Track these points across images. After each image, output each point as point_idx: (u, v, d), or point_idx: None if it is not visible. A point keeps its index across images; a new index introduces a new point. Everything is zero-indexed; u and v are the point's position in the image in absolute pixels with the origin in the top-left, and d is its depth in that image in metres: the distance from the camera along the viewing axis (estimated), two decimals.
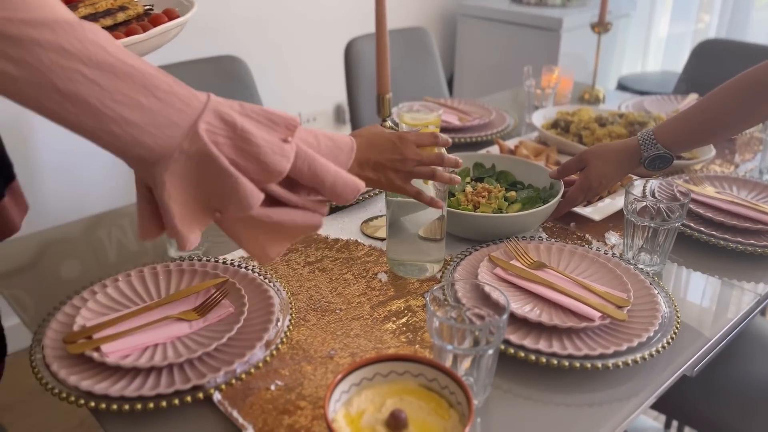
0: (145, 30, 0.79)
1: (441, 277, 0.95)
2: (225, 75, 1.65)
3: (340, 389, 0.62)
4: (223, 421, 0.71)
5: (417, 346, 0.82)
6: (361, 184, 0.69)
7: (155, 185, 0.58)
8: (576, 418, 0.72)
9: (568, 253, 0.97)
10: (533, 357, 0.76)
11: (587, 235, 1.09)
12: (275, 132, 0.62)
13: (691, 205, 1.11)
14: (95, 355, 0.73)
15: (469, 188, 1.10)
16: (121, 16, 0.85)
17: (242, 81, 1.68)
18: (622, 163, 1.06)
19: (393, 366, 0.65)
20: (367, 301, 0.91)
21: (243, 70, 1.71)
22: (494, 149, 1.38)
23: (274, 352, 0.77)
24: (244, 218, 0.62)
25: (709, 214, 1.09)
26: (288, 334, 0.81)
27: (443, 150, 0.89)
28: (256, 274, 0.92)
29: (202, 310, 0.83)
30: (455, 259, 0.97)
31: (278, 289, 0.89)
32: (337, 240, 1.07)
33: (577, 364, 0.75)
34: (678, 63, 3.04)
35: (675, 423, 1.53)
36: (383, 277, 0.96)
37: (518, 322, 0.82)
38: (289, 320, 0.83)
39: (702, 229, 1.06)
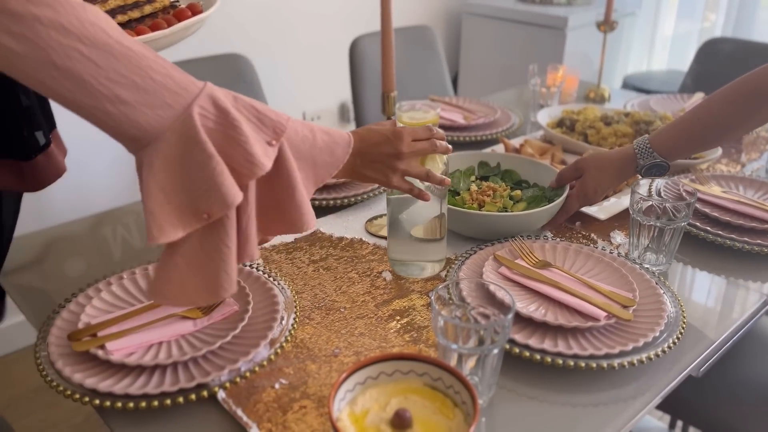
0: (169, 24, 0.82)
1: (446, 276, 0.95)
2: (230, 73, 1.65)
3: (344, 388, 0.62)
4: (227, 419, 0.71)
5: (421, 345, 0.82)
6: (314, 218, 0.72)
7: (144, 168, 0.59)
8: (581, 418, 0.72)
9: (573, 252, 0.97)
10: (538, 356, 0.76)
11: (592, 235, 1.08)
12: (262, 133, 0.64)
13: (697, 205, 1.11)
14: (100, 352, 0.74)
15: (474, 187, 1.10)
16: (147, 9, 0.87)
17: (247, 79, 1.68)
18: (618, 171, 1.06)
19: (398, 365, 0.64)
20: (372, 300, 0.90)
21: (248, 68, 1.71)
22: (499, 148, 1.38)
23: (279, 351, 0.77)
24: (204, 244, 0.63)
25: (716, 214, 1.08)
26: (292, 332, 0.81)
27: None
28: (261, 273, 0.92)
29: (207, 308, 0.83)
30: (460, 258, 0.97)
31: (283, 288, 0.89)
32: (341, 238, 1.07)
33: (583, 364, 0.75)
34: (684, 62, 3.02)
35: (680, 423, 1.52)
36: (388, 275, 0.96)
37: (523, 321, 0.82)
38: (294, 319, 0.83)
39: (708, 228, 1.05)
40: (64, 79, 0.54)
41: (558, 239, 1.02)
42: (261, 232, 0.72)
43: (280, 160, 0.67)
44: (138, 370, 0.73)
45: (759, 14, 2.81)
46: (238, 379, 0.73)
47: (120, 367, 0.73)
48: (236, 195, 0.61)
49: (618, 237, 1.07)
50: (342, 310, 0.88)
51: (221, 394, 0.72)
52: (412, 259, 0.96)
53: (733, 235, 1.04)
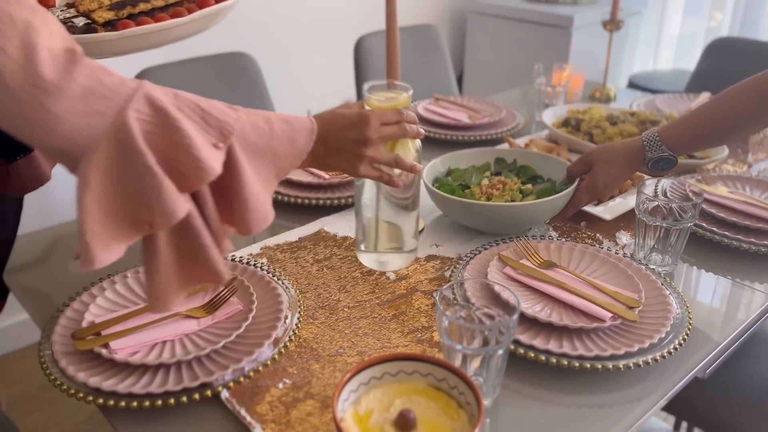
0: (190, 13, 0.84)
1: (450, 276, 0.94)
2: (234, 72, 1.65)
3: (348, 388, 0.61)
4: (231, 419, 0.70)
5: (425, 345, 0.81)
6: (271, 216, 0.68)
7: (78, 185, 0.54)
8: (586, 420, 0.71)
9: (578, 252, 0.96)
10: (543, 357, 0.76)
11: (598, 235, 1.08)
12: (207, 134, 0.60)
13: (704, 205, 1.10)
14: (104, 351, 0.73)
15: (485, 181, 1.10)
16: None
17: (251, 78, 1.68)
18: (627, 164, 1.05)
19: (402, 365, 0.64)
20: (376, 300, 0.90)
21: (252, 66, 1.71)
22: (504, 147, 1.37)
23: (283, 351, 0.77)
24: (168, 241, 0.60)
25: (722, 215, 1.07)
26: (296, 332, 0.80)
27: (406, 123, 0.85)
28: (265, 272, 0.91)
29: (211, 307, 0.83)
30: (464, 258, 0.96)
31: (287, 287, 0.89)
32: (345, 238, 1.06)
33: (588, 365, 0.74)
34: (690, 61, 3.01)
35: (684, 424, 1.52)
36: (391, 275, 0.96)
37: (528, 321, 0.82)
38: (298, 318, 0.83)
39: (714, 229, 1.05)
40: None
41: (563, 239, 1.01)
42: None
43: (229, 162, 0.63)
44: (142, 369, 0.73)
45: (766, 13, 2.79)
46: (241, 379, 0.73)
47: (124, 366, 0.73)
48: (179, 208, 0.56)
49: (623, 237, 1.07)
50: (346, 309, 0.88)
51: (225, 394, 0.72)
52: (382, 250, 0.95)
53: (739, 236, 1.03)
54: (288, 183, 1.20)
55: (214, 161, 0.58)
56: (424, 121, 1.57)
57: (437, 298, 0.70)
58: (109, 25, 0.87)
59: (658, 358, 0.76)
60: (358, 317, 0.86)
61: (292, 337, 0.79)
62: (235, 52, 1.74)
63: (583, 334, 0.80)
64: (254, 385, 0.74)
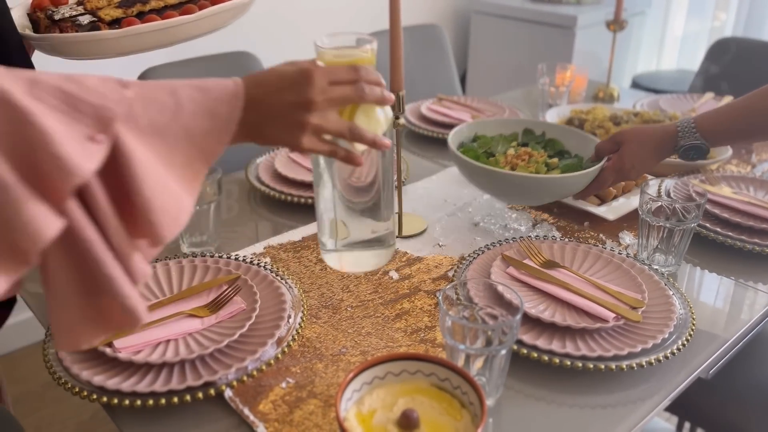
0: (201, 9, 0.83)
1: (453, 276, 0.94)
2: (237, 71, 1.65)
3: (351, 388, 0.61)
4: (234, 418, 0.71)
5: (428, 345, 0.82)
6: (185, 213, 0.54)
7: None
8: (589, 420, 0.71)
9: (581, 252, 0.96)
10: (546, 357, 0.76)
11: (601, 235, 1.08)
12: (78, 124, 0.47)
13: (707, 206, 1.10)
14: (108, 350, 0.74)
15: (511, 151, 1.09)
16: None
17: None
18: (657, 147, 1.03)
19: (405, 365, 0.64)
20: (379, 299, 0.90)
21: (255, 66, 1.71)
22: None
23: (286, 350, 0.77)
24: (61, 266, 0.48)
25: (726, 215, 1.07)
26: (299, 331, 0.81)
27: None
28: (268, 271, 0.92)
29: (214, 306, 0.83)
30: (467, 258, 0.96)
31: (290, 286, 0.89)
32: None
33: (591, 366, 0.74)
34: (693, 61, 3.00)
35: (687, 425, 1.51)
36: (395, 275, 0.96)
37: (531, 322, 0.82)
38: (301, 317, 0.83)
39: (718, 229, 1.05)
40: None
41: (566, 239, 1.01)
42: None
43: (118, 155, 0.50)
44: (146, 367, 0.73)
45: None
46: (245, 378, 0.73)
47: (128, 364, 0.74)
48: (46, 225, 0.44)
49: (627, 238, 1.07)
50: (349, 309, 0.88)
51: (228, 393, 0.72)
52: (343, 247, 0.85)
53: (743, 237, 1.03)
54: (291, 182, 1.20)
55: (82, 158, 0.45)
56: (427, 121, 1.57)
57: (440, 297, 0.70)
58: (117, 23, 0.85)
59: (661, 358, 0.76)
60: (361, 317, 0.87)
61: (296, 337, 0.79)
62: (239, 51, 1.74)
63: (586, 335, 0.80)
64: (257, 384, 0.74)
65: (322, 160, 0.79)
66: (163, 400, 0.69)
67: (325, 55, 0.71)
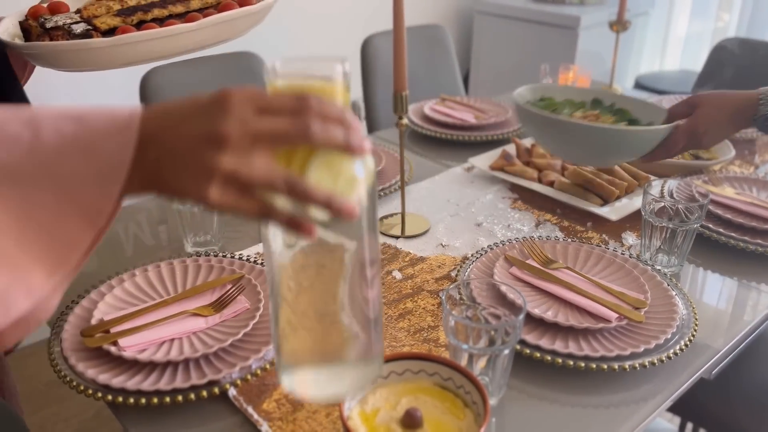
0: (205, 18, 0.77)
1: (457, 275, 0.95)
2: (241, 71, 1.66)
3: None
4: (238, 416, 0.71)
5: (432, 344, 0.82)
6: (45, 308, 0.40)
7: None
8: (592, 420, 0.71)
9: (584, 253, 0.96)
10: (549, 357, 0.76)
11: (604, 235, 1.08)
12: None
13: (710, 206, 1.10)
14: (113, 348, 0.74)
15: (578, 113, 1.07)
16: (195, 3, 0.81)
17: (257, 77, 1.68)
18: (734, 114, 0.99)
19: (408, 364, 0.65)
20: (382, 299, 0.90)
21: (258, 66, 1.71)
22: (510, 148, 1.38)
23: None
24: None
25: (728, 216, 1.07)
26: None
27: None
28: None
29: (218, 305, 0.83)
30: (470, 258, 0.97)
31: None
32: None
33: (594, 366, 0.75)
34: (696, 62, 3.00)
35: (690, 425, 1.51)
36: (397, 275, 0.96)
37: (534, 322, 0.82)
38: None
39: (721, 230, 1.05)
40: None
41: (569, 240, 1.01)
42: None
43: None
44: (150, 366, 0.74)
45: None
46: (249, 377, 0.73)
47: (132, 363, 0.74)
48: None
49: (630, 238, 1.07)
50: None
51: (232, 392, 0.73)
52: (301, 364, 0.53)
53: (746, 237, 1.03)
54: None
55: None
56: (430, 121, 1.57)
57: (444, 297, 0.71)
58: (113, 33, 0.78)
59: (664, 359, 0.76)
60: None
61: None
62: (242, 51, 1.75)
63: (588, 335, 0.80)
64: (261, 383, 0.74)
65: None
66: (167, 399, 0.69)
67: (275, 82, 0.47)
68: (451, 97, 1.72)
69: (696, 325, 0.82)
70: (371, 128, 1.95)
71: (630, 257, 0.97)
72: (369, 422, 0.60)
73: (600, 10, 2.75)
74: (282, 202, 0.44)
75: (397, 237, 1.07)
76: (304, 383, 0.53)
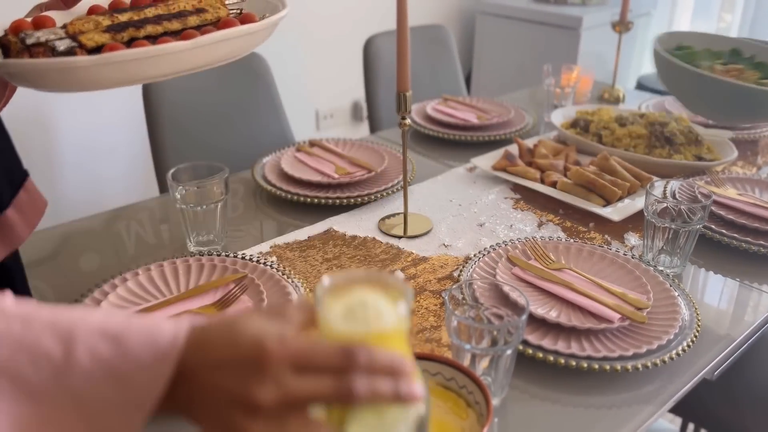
0: (203, 35, 0.69)
1: (459, 276, 0.95)
2: (244, 71, 1.66)
3: None
4: None
5: (434, 344, 0.82)
6: None
7: None
8: (594, 420, 0.71)
9: (587, 253, 0.96)
10: (551, 358, 0.76)
11: (606, 236, 1.08)
12: None
13: (713, 207, 1.10)
14: None
15: (719, 66, 1.05)
16: (193, 20, 0.74)
17: (261, 77, 1.68)
18: None
19: None
20: None
21: (262, 65, 1.71)
22: (513, 148, 1.38)
23: None
24: None
25: (731, 216, 1.07)
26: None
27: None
28: (275, 270, 0.92)
29: (222, 305, 0.83)
30: (473, 258, 0.97)
31: (296, 286, 0.89)
32: (354, 237, 1.07)
33: (596, 366, 0.75)
34: None
35: (691, 426, 1.51)
36: (400, 275, 0.96)
37: (536, 322, 0.82)
38: None
39: (723, 231, 1.05)
40: None
41: (572, 240, 1.01)
42: None
43: None
44: None
45: None
46: None
47: None
48: None
49: (632, 239, 1.07)
50: None
51: None
52: None
53: (748, 238, 1.03)
54: (297, 182, 1.21)
55: None
56: (433, 121, 1.57)
57: (446, 297, 0.71)
58: (99, 51, 0.70)
59: (666, 359, 0.76)
60: None
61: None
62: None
63: (591, 335, 0.80)
64: None
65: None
66: None
67: (324, 313, 0.45)
68: (454, 98, 1.72)
69: (698, 325, 0.82)
70: (373, 128, 1.95)
71: (632, 258, 0.97)
72: None
73: (602, 11, 2.76)
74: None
75: (399, 237, 1.07)
76: None
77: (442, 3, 2.99)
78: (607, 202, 1.15)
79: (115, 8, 0.77)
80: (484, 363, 0.69)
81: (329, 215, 1.13)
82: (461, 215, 1.15)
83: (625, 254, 0.98)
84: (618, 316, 0.82)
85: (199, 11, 0.75)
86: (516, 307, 0.72)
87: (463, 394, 0.63)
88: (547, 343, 0.78)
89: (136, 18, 0.73)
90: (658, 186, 1.01)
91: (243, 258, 0.95)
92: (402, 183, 1.17)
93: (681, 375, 0.78)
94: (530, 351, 0.77)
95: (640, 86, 2.65)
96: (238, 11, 0.80)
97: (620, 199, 1.17)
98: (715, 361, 0.81)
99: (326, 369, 0.41)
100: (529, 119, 1.60)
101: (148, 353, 0.40)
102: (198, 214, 0.99)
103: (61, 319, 0.40)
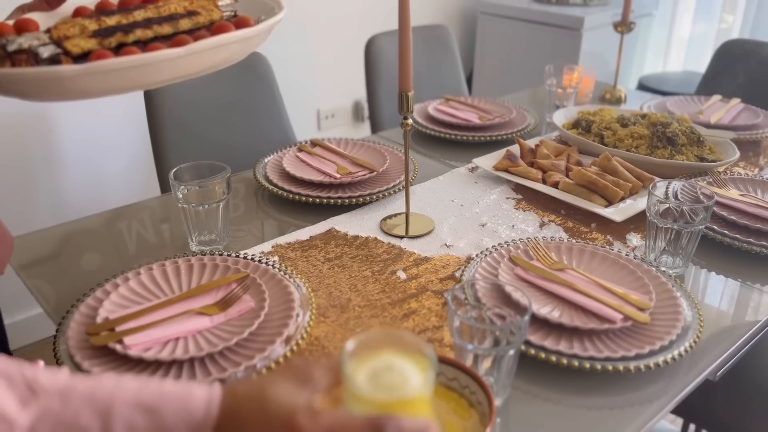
0: (196, 41, 0.65)
1: (461, 276, 0.95)
2: (246, 70, 1.66)
3: None
4: None
5: (436, 344, 0.82)
6: None
7: None
8: (596, 421, 0.71)
9: (589, 254, 0.96)
10: (554, 358, 0.76)
11: (608, 237, 1.08)
12: None
13: (715, 208, 1.10)
14: (118, 347, 0.74)
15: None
16: (185, 24, 0.71)
17: (263, 76, 1.68)
18: None
19: None
20: (387, 299, 0.91)
21: (264, 65, 1.71)
22: (515, 148, 1.38)
23: (294, 348, 0.78)
24: None
25: (733, 217, 1.07)
26: (308, 330, 0.81)
27: None
28: (277, 270, 0.92)
29: (223, 305, 0.83)
30: (475, 258, 0.97)
31: (298, 285, 0.89)
32: (356, 237, 1.07)
33: (598, 366, 0.75)
34: (700, 63, 3.00)
35: (692, 427, 1.51)
36: (402, 275, 0.96)
37: (539, 322, 0.82)
38: (310, 316, 0.83)
39: (726, 232, 1.05)
40: None
41: (574, 240, 1.01)
42: None
43: None
44: (155, 365, 0.74)
45: None
46: (254, 376, 0.73)
47: (137, 361, 0.74)
48: None
49: (634, 239, 1.07)
50: (357, 308, 0.89)
51: None
52: None
53: (750, 239, 1.03)
54: (298, 181, 1.20)
55: None
56: (434, 121, 1.57)
57: (449, 298, 0.71)
58: (85, 57, 0.66)
59: (668, 360, 0.76)
60: (369, 316, 0.87)
61: (304, 335, 0.80)
62: None
63: (593, 336, 0.80)
64: None
65: None
66: None
67: (350, 377, 0.47)
68: (455, 98, 1.72)
69: (701, 326, 0.82)
70: (374, 128, 1.95)
71: (634, 258, 0.97)
72: None
73: (603, 11, 2.75)
74: None
75: (401, 237, 1.07)
76: None
77: (443, 3, 2.98)
78: (609, 203, 1.15)
79: (102, 10, 0.73)
80: (486, 363, 0.69)
81: (331, 215, 1.13)
82: (463, 215, 1.15)
83: (627, 255, 0.97)
84: (620, 316, 0.81)
85: (191, 14, 0.72)
86: (518, 308, 0.72)
87: (466, 395, 0.63)
88: (549, 343, 0.78)
89: (124, 21, 0.69)
90: (660, 186, 1.01)
91: (245, 257, 0.95)
92: (404, 183, 1.17)
93: (683, 376, 0.78)
94: (533, 351, 0.77)
95: (642, 87, 2.65)
96: (232, 13, 0.77)
97: (622, 199, 1.17)
98: (717, 362, 0.81)
99: None
100: (530, 119, 1.60)
101: (182, 425, 0.42)
102: (200, 213, 0.99)
103: (97, 392, 0.42)
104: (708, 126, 1.52)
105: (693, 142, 1.32)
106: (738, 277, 0.99)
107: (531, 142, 1.42)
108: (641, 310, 0.83)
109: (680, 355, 0.77)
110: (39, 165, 1.95)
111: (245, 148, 1.56)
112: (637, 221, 1.12)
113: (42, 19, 0.72)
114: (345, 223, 1.11)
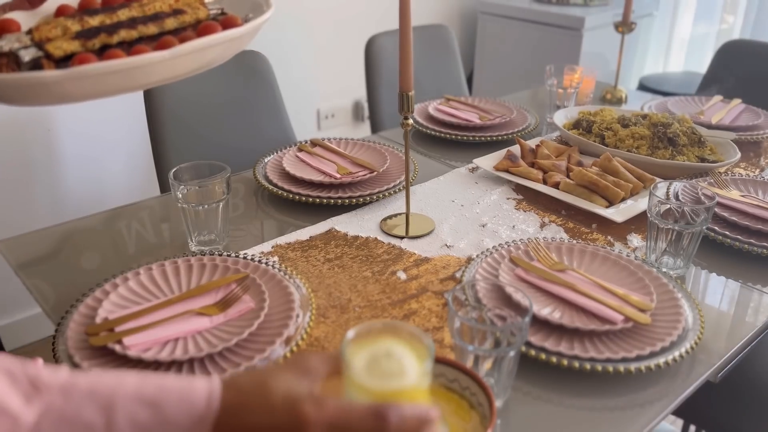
0: (182, 41, 0.62)
1: (461, 276, 0.94)
2: (246, 70, 1.66)
3: None
4: None
5: (437, 345, 0.82)
6: None
7: None
8: (597, 422, 0.71)
9: (590, 254, 0.96)
10: (555, 359, 0.76)
11: (609, 237, 1.08)
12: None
13: (716, 209, 1.09)
14: (117, 347, 0.74)
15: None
16: (170, 23, 0.68)
17: (263, 76, 1.68)
18: None
19: None
20: (387, 299, 0.90)
21: (264, 65, 1.71)
22: (515, 149, 1.37)
23: (294, 349, 0.77)
24: None
25: (734, 218, 1.07)
26: (308, 330, 0.81)
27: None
28: (277, 270, 0.92)
29: (223, 305, 0.83)
30: (475, 259, 0.96)
31: (298, 285, 0.89)
32: (356, 237, 1.07)
33: (599, 368, 0.74)
34: (700, 63, 3.00)
35: (693, 428, 1.51)
36: (402, 275, 0.96)
37: (539, 323, 0.82)
38: (310, 317, 0.83)
39: (727, 232, 1.04)
40: None
41: (575, 241, 1.01)
42: None
43: None
44: (155, 365, 0.74)
45: None
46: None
47: (137, 362, 0.74)
48: None
49: (635, 240, 1.07)
50: (357, 309, 0.88)
51: None
52: None
53: (751, 240, 1.02)
54: (298, 181, 1.20)
55: None
56: (435, 121, 1.57)
57: (449, 298, 0.70)
58: (68, 60, 0.64)
59: (669, 361, 0.76)
60: (369, 317, 0.87)
61: (304, 336, 0.79)
62: (247, 50, 1.74)
63: (594, 337, 0.80)
64: None
65: None
66: None
67: (350, 365, 0.48)
68: (456, 98, 1.71)
69: (702, 327, 0.82)
70: (374, 128, 1.95)
71: (635, 259, 0.96)
72: None
73: (604, 12, 2.75)
74: None
75: (401, 237, 1.06)
76: None
77: (443, 3, 2.98)
78: (610, 204, 1.15)
79: (85, 8, 0.71)
80: (487, 364, 0.69)
81: (331, 215, 1.13)
82: (463, 216, 1.14)
83: (628, 255, 0.97)
84: (621, 317, 0.81)
85: (176, 12, 0.69)
86: (519, 309, 0.72)
87: (466, 396, 0.63)
88: (550, 344, 0.77)
89: (108, 21, 0.67)
90: (662, 187, 1.00)
91: (244, 258, 0.95)
92: (404, 183, 1.17)
93: (684, 377, 0.78)
94: (533, 352, 0.77)
95: (643, 87, 2.65)
96: (219, 11, 0.75)
97: (623, 200, 1.17)
98: (718, 364, 0.81)
99: (361, 430, 0.45)
100: (531, 120, 1.60)
101: (185, 418, 0.43)
102: (199, 213, 0.99)
103: (99, 387, 0.42)
104: (709, 126, 1.52)
105: (694, 143, 1.32)
106: (739, 278, 0.99)
107: (531, 143, 1.41)
108: (642, 311, 0.83)
109: (681, 356, 0.77)
110: (38, 164, 1.95)
111: (245, 148, 1.55)
112: (638, 222, 1.11)
113: (24, 17, 0.70)
114: (345, 224, 1.11)
